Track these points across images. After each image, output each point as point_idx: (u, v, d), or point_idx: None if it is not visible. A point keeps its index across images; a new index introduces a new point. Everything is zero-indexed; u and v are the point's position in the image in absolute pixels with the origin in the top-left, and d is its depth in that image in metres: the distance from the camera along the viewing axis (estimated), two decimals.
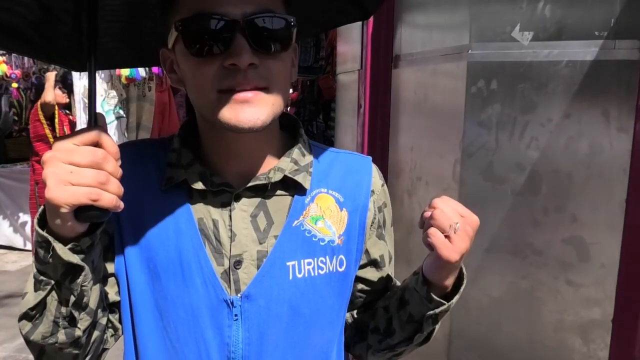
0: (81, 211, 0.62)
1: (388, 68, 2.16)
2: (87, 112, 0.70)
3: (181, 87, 0.79)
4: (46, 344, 0.72)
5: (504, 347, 1.73)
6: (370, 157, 0.91)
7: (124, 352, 0.82)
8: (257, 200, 0.79)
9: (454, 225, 0.72)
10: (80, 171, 0.60)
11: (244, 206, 0.78)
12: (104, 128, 0.66)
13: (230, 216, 0.77)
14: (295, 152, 0.82)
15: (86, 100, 4.14)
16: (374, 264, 0.89)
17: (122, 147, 0.67)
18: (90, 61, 0.72)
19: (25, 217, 5.32)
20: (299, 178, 0.79)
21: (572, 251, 1.62)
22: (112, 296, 0.81)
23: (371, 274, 0.89)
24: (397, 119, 2.16)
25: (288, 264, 0.77)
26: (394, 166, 2.14)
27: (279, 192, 0.80)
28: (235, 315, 0.76)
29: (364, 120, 2.29)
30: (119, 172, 0.64)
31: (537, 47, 1.58)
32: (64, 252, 0.65)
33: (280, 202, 0.80)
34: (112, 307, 0.81)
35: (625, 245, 1.56)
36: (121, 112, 4.28)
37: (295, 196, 0.80)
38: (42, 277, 0.68)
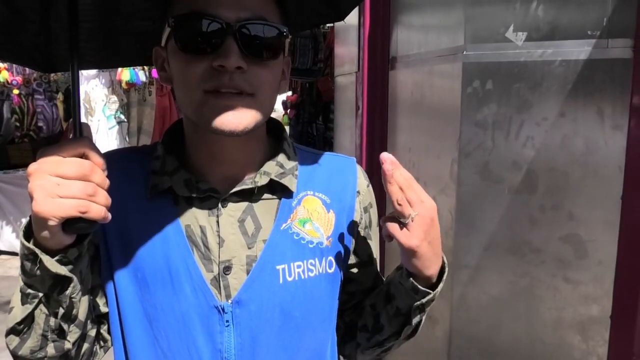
0: (69, 223, 0.61)
1: (385, 69, 2.18)
2: (72, 122, 0.69)
3: (169, 85, 0.79)
4: (35, 358, 0.71)
5: (503, 345, 1.74)
6: (354, 158, 0.91)
7: None
8: (244, 204, 0.78)
9: (412, 214, 0.72)
10: (68, 183, 0.60)
11: (231, 211, 0.78)
12: (89, 138, 0.65)
13: (217, 222, 0.77)
14: (281, 155, 0.82)
15: (87, 106, 4.16)
16: (362, 264, 0.90)
17: (106, 155, 0.66)
18: (73, 65, 0.71)
19: None
20: (285, 181, 0.79)
21: (570, 249, 1.63)
22: (101, 307, 0.80)
23: (359, 273, 0.90)
24: (394, 119, 2.18)
25: (278, 267, 0.77)
26: None
27: (265, 195, 0.80)
28: (227, 321, 0.75)
29: (362, 121, 2.30)
30: (107, 183, 0.63)
31: (531, 47, 1.59)
32: (52, 264, 0.64)
33: (267, 205, 0.80)
34: (100, 318, 0.81)
35: (622, 242, 1.57)
36: (122, 116, 4.31)
37: (282, 199, 0.80)
38: (29, 290, 0.67)
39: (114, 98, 4.22)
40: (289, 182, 0.80)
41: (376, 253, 0.92)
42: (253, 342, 0.76)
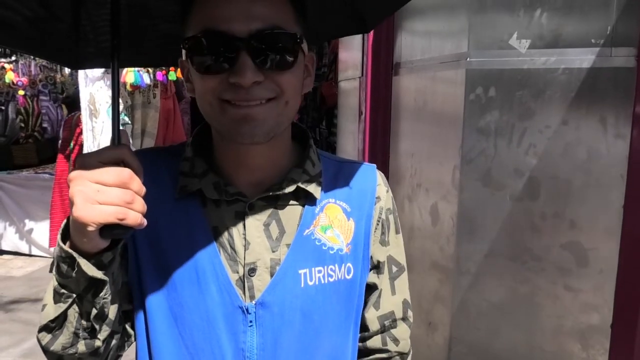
0: (106, 229, 0.62)
1: (388, 75, 2.19)
2: (112, 128, 0.71)
3: (194, 96, 0.80)
4: (66, 354, 0.73)
5: (503, 352, 1.73)
6: (374, 165, 0.93)
7: (136, 358, 0.83)
8: (269, 209, 0.80)
9: None
10: (108, 190, 0.61)
11: (257, 215, 0.79)
12: (128, 146, 0.66)
13: (244, 225, 0.78)
14: (307, 162, 0.83)
15: (92, 108, 4.18)
16: (376, 268, 0.90)
17: (137, 154, 0.67)
18: (114, 66, 0.73)
19: (31, 224, 5.35)
20: (310, 188, 0.81)
21: (571, 257, 1.63)
22: (126, 304, 0.81)
23: (373, 278, 0.90)
24: (397, 125, 2.18)
25: (300, 271, 0.79)
26: (395, 172, 2.16)
27: (291, 202, 0.81)
28: (250, 321, 0.77)
29: (365, 126, 2.31)
30: (143, 190, 0.64)
31: (534, 54, 1.60)
32: (88, 268, 0.65)
33: (291, 211, 0.81)
34: (125, 314, 0.82)
35: (624, 251, 1.57)
36: (126, 118, 4.32)
37: (306, 206, 0.81)
38: (63, 290, 0.68)
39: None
40: (314, 189, 0.81)
41: (401, 259, 0.92)
42: (275, 343, 0.78)
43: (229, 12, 0.69)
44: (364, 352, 0.91)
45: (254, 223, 0.79)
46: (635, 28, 1.50)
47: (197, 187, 0.79)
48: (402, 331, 0.92)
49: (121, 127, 3.75)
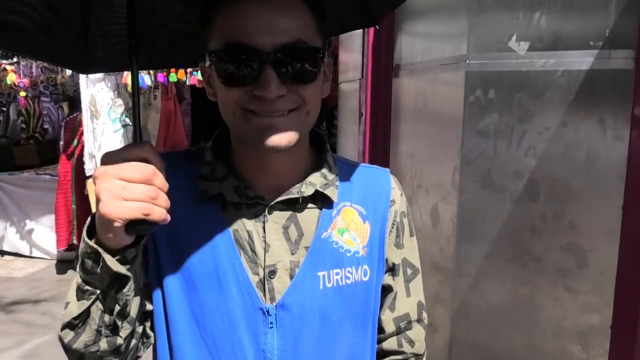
0: (131, 224, 0.64)
1: (388, 77, 2.20)
2: (133, 127, 0.73)
3: (216, 100, 0.81)
4: (88, 352, 0.74)
5: (503, 353, 1.74)
6: (388, 169, 0.94)
7: (156, 358, 0.85)
8: (288, 212, 0.81)
9: None
10: (133, 187, 0.63)
11: (277, 218, 0.80)
12: (150, 143, 0.68)
13: (264, 228, 0.80)
14: (324, 166, 0.85)
15: (93, 109, 4.19)
16: (391, 270, 0.91)
17: None
18: (133, 67, 0.74)
19: (31, 225, 5.36)
20: (328, 192, 0.82)
21: (571, 258, 1.63)
22: (147, 305, 0.82)
23: (388, 280, 0.92)
24: (397, 127, 2.19)
25: (319, 274, 0.80)
26: (395, 174, 2.13)
27: (309, 205, 0.83)
28: (271, 323, 0.78)
29: (365, 128, 2.32)
30: (166, 186, 0.66)
31: (533, 56, 1.60)
32: (113, 263, 0.67)
33: (309, 214, 0.83)
34: (145, 315, 0.83)
35: (623, 252, 1.57)
36: (127, 120, 4.33)
37: (323, 209, 0.83)
38: (87, 287, 0.70)
39: (120, 101, 4.24)
40: (331, 192, 0.83)
41: (415, 262, 0.94)
42: (295, 344, 0.80)
43: (255, 26, 0.70)
44: (379, 353, 0.92)
45: (274, 226, 0.80)
46: (633, 30, 1.51)
47: (218, 190, 0.80)
48: (417, 332, 0.93)
49: (122, 129, 3.75)
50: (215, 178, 0.81)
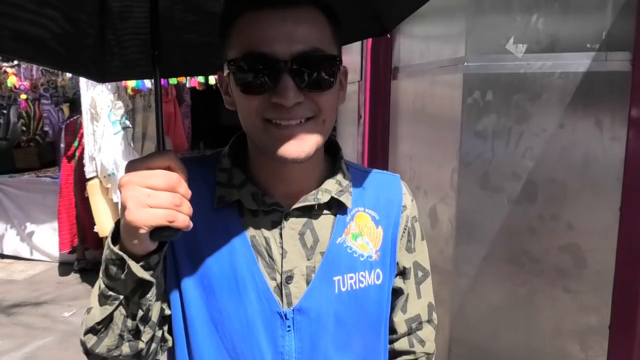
0: (156, 231, 0.65)
1: (387, 79, 2.21)
2: (156, 136, 0.75)
3: (234, 109, 0.83)
4: (110, 356, 0.75)
5: (502, 353, 1.74)
6: (398, 175, 0.96)
7: None
8: (304, 219, 0.83)
9: None
10: (157, 194, 0.64)
11: (293, 224, 0.82)
12: (173, 151, 0.70)
13: (280, 234, 0.81)
14: (339, 173, 0.87)
15: (93, 112, 4.20)
16: (402, 274, 0.93)
17: None
18: (156, 75, 0.76)
19: (32, 227, 5.37)
20: (342, 198, 0.84)
21: (569, 259, 1.64)
22: (165, 310, 0.83)
23: (399, 283, 0.94)
24: (396, 128, 2.20)
25: (334, 278, 0.82)
26: None
27: (324, 211, 0.85)
28: (288, 326, 0.80)
29: (364, 129, 2.33)
30: (189, 193, 0.68)
31: (531, 59, 1.61)
32: (138, 269, 0.69)
33: (324, 220, 0.85)
34: (163, 319, 0.84)
35: (621, 252, 1.58)
36: (127, 122, 4.33)
37: (338, 215, 0.85)
38: (110, 293, 0.72)
39: (120, 104, 4.25)
40: (346, 199, 0.85)
41: (426, 264, 0.97)
42: (312, 346, 0.82)
43: (272, 35, 0.71)
44: (391, 353, 0.95)
45: (290, 232, 0.82)
46: (629, 32, 1.52)
47: (236, 197, 0.82)
48: (427, 333, 0.96)
49: (122, 131, 3.74)
50: (233, 185, 0.83)
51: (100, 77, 1.07)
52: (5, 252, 5.55)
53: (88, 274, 4.91)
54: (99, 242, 4.68)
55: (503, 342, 1.74)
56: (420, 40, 2.06)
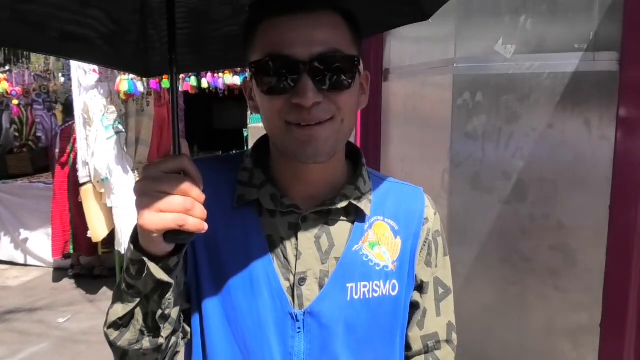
0: (169, 234, 0.67)
1: (378, 81, 2.22)
2: (172, 140, 0.76)
3: (258, 114, 0.84)
4: (131, 349, 0.78)
5: (494, 352, 1.75)
6: (421, 188, 0.96)
7: (190, 354, 0.88)
8: (321, 223, 0.84)
9: None
10: (168, 199, 0.66)
11: (309, 227, 0.83)
12: (188, 155, 0.70)
13: (296, 236, 0.82)
14: (359, 180, 0.87)
15: (86, 116, 4.19)
16: (419, 288, 0.92)
17: (196, 163, 0.72)
18: (172, 77, 0.77)
19: (26, 233, 5.34)
20: (361, 205, 0.85)
21: (560, 257, 1.65)
22: (185, 303, 0.86)
23: (416, 297, 0.92)
24: (387, 130, 2.21)
25: (347, 285, 0.83)
26: None
27: (341, 217, 0.85)
28: (299, 328, 0.81)
29: (355, 131, 2.33)
30: (203, 197, 0.69)
31: (519, 59, 1.63)
32: (156, 271, 0.70)
33: (341, 225, 0.85)
34: (183, 312, 0.86)
35: (611, 251, 1.59)
36: (120, 127, 4.33)
37: (355, 222, 0.85)
38: (131, 291, 0.74)
39: (112, 108, 4.24)
40: (365, 206, 0.85)
41: (448, 282, 0.96)
42: (321, 350, 0.82)
43: (292, 38, 0.74)
44: None
45: (306, 235, 0.83)
46: (617, 33, 1.53)
47: (255, 197, 0.83)
48: (445, 354, 0.93)
49: (115, 136, 3.73)
50: (253, 185, 0.85)
51: (145, 72, 1.10)
52: (0, 259, 5.52)
53: (82, 280, 4.89)
54: (92, 247, 4.66)
55: (495, 341, 1.75)
56: (410, 42, 2.07)
